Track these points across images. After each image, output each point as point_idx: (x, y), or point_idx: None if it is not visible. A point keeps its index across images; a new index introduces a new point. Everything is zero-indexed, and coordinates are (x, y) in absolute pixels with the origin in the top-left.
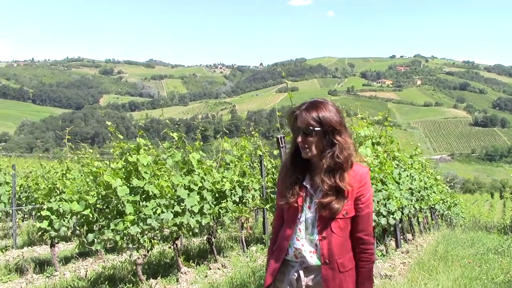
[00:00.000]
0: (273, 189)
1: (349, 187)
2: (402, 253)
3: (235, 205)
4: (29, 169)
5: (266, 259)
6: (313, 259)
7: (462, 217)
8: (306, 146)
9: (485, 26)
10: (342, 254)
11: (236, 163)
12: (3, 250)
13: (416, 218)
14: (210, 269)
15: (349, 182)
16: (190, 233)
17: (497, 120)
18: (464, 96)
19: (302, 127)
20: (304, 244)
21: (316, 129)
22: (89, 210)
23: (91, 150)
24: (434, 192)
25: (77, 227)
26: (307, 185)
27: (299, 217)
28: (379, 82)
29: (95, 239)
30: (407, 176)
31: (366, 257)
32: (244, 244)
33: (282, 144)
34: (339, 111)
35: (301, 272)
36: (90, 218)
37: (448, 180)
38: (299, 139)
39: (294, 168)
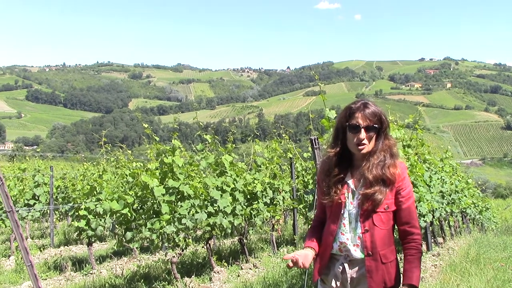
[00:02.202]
0: (304, 190)
1: (395, 178)
2: (433, 256)
3: (266, 206)
4: (63, 171)
5: None
6: (357, 253)
7: (494, 221)
8: (367, 143)
9: None
10: (384, 246)
11: (267, 165)
12: (41, 249)
13: (447, 221)
14: (242, 269)
15: (395, 172)
16: (222, 234)
17: None
18: (495, 99)
19: (364, 124)
20: (349, 238)
21: (376, 126)
22: (127, 209)
23: (129, 152)
24: (465, 195)
25: (116, 225)
26: (349, 182)
27: (342, 212)
28: (408, 85)
29: (133, 238)
30: (438, 179)
31: (413, 245)
32: (275, 245)
33: (316, 145)
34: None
35: (346, 265)
36: (129, 217)
37: (479, 183)
38: (362, 136)
39: (339, 167)
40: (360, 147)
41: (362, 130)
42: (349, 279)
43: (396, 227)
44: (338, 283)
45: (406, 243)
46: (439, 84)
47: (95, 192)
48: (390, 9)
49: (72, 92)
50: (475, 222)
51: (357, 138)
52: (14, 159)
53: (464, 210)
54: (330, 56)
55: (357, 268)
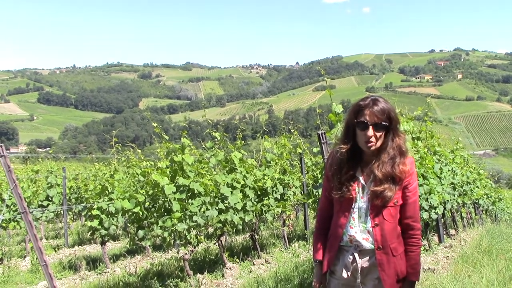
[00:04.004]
0: (313, 185)
1: (404, 175)
2: (445, 247)
3: (276, 202)
4: (76, 172)
5: (309, 254)
6: (367, 244)
7: (508, 212)
8: (375, 140)
9: None
10: (393, 239)
11: (277, 161)
12: (56, 249)
13: (459, 213)
14: (254, 264)
15: (404, 169)
16: (234, 230)
17: None
18: (507, 89)
19: (372, 121)
20: (357, 231)
21: (386, 124)
22: (139, 208)
23: (139, 151)
24: (477, 186)
25: (128, 224)
26: (359, 177)
27: (352, 206)
28: (418, 78)
29: (145, 236)
30: (449, 170)
31: (414, 241)
32: (286, 240)
33: (323, 140)
34: (393, 106)
35: (356, 255)
36: (140, 216)
37: (491, 174)
38: (370, 133)
39: (350, 163)
40: (368, 145)
41: (370, 127)
42: (359, 269)
43: None
44: (349, 273)
45: (408, 237)
46: (450, 76)
47: (107, 192)
48: (399, 1)
49: (82, 93)
50: (488, 213)
51: (365, 135)
52: (28, 161)
53: (477, 201)
54: (339, 50)
55: (367, 258)
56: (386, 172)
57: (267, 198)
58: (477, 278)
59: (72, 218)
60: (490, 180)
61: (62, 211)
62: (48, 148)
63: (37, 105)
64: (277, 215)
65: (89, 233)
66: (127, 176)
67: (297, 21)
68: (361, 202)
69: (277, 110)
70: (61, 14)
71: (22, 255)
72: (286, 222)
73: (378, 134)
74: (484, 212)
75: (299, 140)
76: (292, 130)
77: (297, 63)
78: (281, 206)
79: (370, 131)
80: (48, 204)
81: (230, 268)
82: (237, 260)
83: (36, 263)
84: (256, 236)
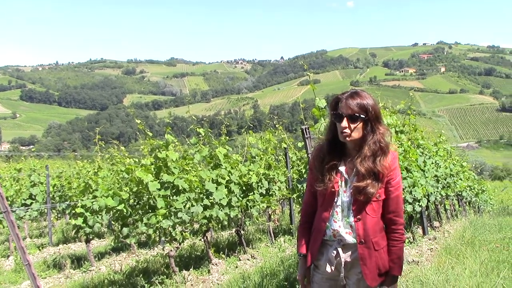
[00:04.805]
0: (297, 180)
1: (386, 171)
2: (429, 240)
3: (262, 197)
4: (59, 170)
5: (295, 249)
6: (350, 238)
7: (491, 203)
8: (350, 131)
9: (510, 9)
10: (376, 234)
11: (262, 156)
12: (40, 248)
13: (443, 205)
14: (240, 260)
15: (386, 165)
16: (219, 226)
17: None
18: (490, 82)
19: (347, 113)
20: (341, 225)
21: (361, 116)
22: (123, 205)
23: (123, 148)
24: (460, 179)
25: (112, 222)
26: (342, 170)
27: (335, 200)
28: (402, 71)
29: (130, 233)
30: (432, 163)
31: (397, 236)
32: (272, 235)
33: (307, 134)
34: (376, 100)
35: (339, 250)
36: (124, 213)
37: (475, 166)
38: (344, 124)
39: (331, 154)
40: (343, 135)
41: (345, 118)
42: (343, 263)
43: None
44: (333, 268)
45: (390, 232)
46: (433, 69)
47: (90, 190)
48: None
49: (66, 90)
50: (471, 205)
51: (340, 126)
52: (10, 160)
53: (460, 193)
54: (324, 44)
55: (350, 252)
56: (368, 168)
57: (252, 193)
58: (460, 269)
59: (56, 217)
60: (473, 172)
61: (46, 210)
62: (31, 146)
63: (19, 102)
64: (262, 210)
65: (74, 231)
66: (111, 174)
67: (282, 16)
68: (344, 196)
69: (263, 105)
70: (43, 9)
71: (6, 255)
72: (272, 217)
73: (353, 126)
74: (467, 203)
75: (284, 135)
76: (277, 125)
77: (282, 57)
78: (266, 201)
79: (344, 122)
80: (31, 203)
81: (216, 264)
82: (223, 256)
83: (19, 263)
84: (242, 232)
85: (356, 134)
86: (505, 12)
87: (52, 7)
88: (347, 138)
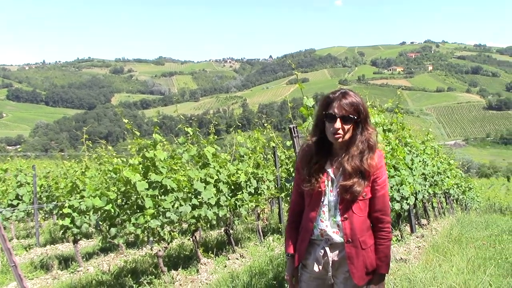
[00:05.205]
0: (286, 179)
1: (373, 169)
2: (417, 237)
3: (250, 196)
4: (47, 170)
5: (283, 248)
6: (337, 237)
7: (478, 201)
8: (342, 132)
9: (497, 8)
10: (363, 233)
11: (250, 155)
12: (27, 249)
13: (430, 203)
14: (228, 259)
15: (373, 164)
16: (208, 225)
17: (511, 103)
18: (476, 80)
19: (340, 114)
20: (328, 225)
21: (354, 117)
22: (110, 205)
23: (110, 147)
24: (448, 177)
25: (100, 222)
26: (329, 170)
27: (322, 200)
28: (390, 70)
29: (117, 233)
30: (420, 161)
31: (384, 235)
32: (261, 234)
33: (295, 133)
34: (363, 100)
35: (327, 249)
36: (112, 213)
37: (461, 164)
38: (337, 125)
39: (319, 154)
40: (335, 137)
41: (338, 120)
42: (330, 262)
43: None
44: (320, 267)
45: (377, 231)
46: (421, 67)
47: (78, 190)
48: None
49: (53, 89)
50: (458, 203)
51: (333, 127)
52: None
53: (447, 191)
54: (312, 43)
55: (337, 251)
56: (355, 166)
57: (241, 192)
58: (448, 267)
59: (44, 217)
60: (460, 170)
61: (33, 210)
62: (18, 146)
63: (6, 102)
64: (251, 209)
65: (61, 231)
66: (98, 173)
67: (270, 15)
68: (330, 195)
69: (251, 103)
70: (29, 8)
71: None
72: (261, 216)
73: (346, 127)
74: (454, 201)
75: (273, 133)
76: (265, 124)
77: (270, 56)
78: (255, 200)
79: (338, 123)
80: (18, 203)
81: (204, 264)
82: (212, 255)
83: (6, 264)
84: (231, 231)
85: (347, 135)
86: (492, 11)
87: (38, 6)
88: (339, 140)
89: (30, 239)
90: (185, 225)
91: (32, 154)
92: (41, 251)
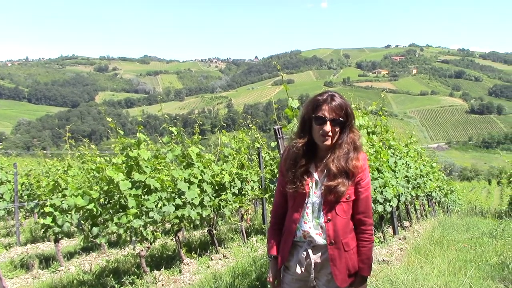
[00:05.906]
0: (270, 180)
1: (357, 170)
2: (400, 239)
3: (234, 196)
4: (28, 168)
5: (266, 249)
6: (320, 239)
7: (459, 204)
8: (331, 135)
9: (480, 13)
10: (346, 235)
11: (235, 155)
12: (7, 248)
13: (413, 205)
14: (212, 260)
15: (358, 165)
16: (191, 226)
17: (493, 107)
18: (459, 84)
19: (330, 117)
20: (311, 226)
21: (343, 119)
22: (93, 204)
23: (93, 146)
24: (430, 179)
25: (82, 221)
26: (313, 172)
27: (306, 201)
28: (375, 72)
29: (99, 233)
30: (403, 164)
31: (366, 237)
32: (245, 235)
33: (279, 135)
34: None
35: (309, 251)
36: (94, 212)
37: (444, 167)
38: (327, 128)
39: (304, 156)
40: (325, 139)
41: (328, 122)
42: (313, 264)
43: None
44: (303, 269)
45: (360, 233)
46: (405, 71)
47: (60, 188)
48: None
49: (36, 86)
50: (440, 205)
51: (323, 130)
52: None
53: (430, 194)
54: (298, 45)
55: (320, 253)
56: (340, 167)
57: (225, 193)
58: (429, 269)
59: (24, 216)
60: (443, 172)
61: (13, 209)
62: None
63: None
64: (235, 209)
65: (42, 230)
66: (81, 172)
67: (257, 15)
68: (314, 197)
69: (237, 104)
70: (12, 3)
71: None
72: (244, 216)
73: (335, 130)
74: (436, 204)
75: (257, 134)
76: (250, 125)
77: (256, 57)
78: (239, 201)
79: (328, 126)
80: None
81: (187, 264)
82: (195, 255)
83: None
84: (214, 231)
85: (335, 138)
86: (475, 16)
87: (22, 1)
88: (327, 142)
89: (10, 238)
90: (168, 225)
91: (13, 152)
92: (22, 250)
